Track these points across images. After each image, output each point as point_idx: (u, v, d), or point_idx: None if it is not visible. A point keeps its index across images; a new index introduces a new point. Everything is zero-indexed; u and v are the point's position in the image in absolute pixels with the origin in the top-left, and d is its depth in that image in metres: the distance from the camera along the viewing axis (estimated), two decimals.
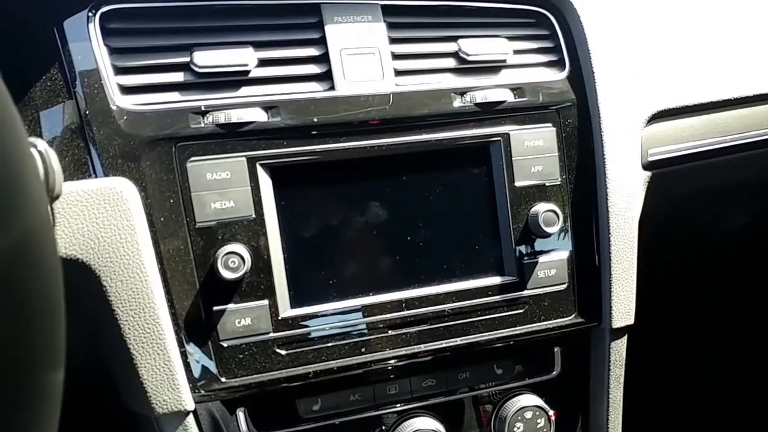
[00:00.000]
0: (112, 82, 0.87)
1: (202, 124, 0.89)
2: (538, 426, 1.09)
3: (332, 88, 0.95)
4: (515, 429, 1.08)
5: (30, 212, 0.39)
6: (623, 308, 1.09)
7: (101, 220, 0.83)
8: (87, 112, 0.86)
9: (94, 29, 0.87)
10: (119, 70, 0.88)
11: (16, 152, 0.39)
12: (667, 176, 1.13)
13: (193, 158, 0.88)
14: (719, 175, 1.25)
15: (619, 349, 1.13)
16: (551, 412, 1.09)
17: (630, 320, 1.10)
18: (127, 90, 0.88)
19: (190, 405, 0.90)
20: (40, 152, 0.51)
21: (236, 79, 0.91)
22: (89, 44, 0.86)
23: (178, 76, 0.90)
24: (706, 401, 2.02)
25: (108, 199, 0.83)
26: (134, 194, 0.86)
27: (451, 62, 1.02)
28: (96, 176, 0.86)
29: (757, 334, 1.88)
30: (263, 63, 0.93)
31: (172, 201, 0.88)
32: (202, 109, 0.89)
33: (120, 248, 0.84)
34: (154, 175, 0.87)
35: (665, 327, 1.81)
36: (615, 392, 1.15)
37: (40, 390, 0.41)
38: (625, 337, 1.14)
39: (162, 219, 0.88)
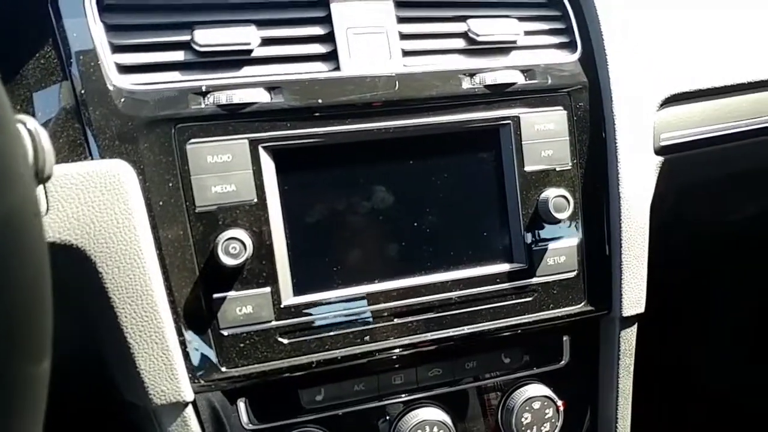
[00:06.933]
0: (109, 60, 0.84)
1: (203, 105, 0.86)
2: (546, 416, 1.07)
3: (337, 68, 0.92)
4: (522, 419, 1.06)
5: (14, 192, 0.36)
6: (634, 296, 1.07)
7: (97, 203, 0.80)
8: (82, 92, 0.83)
9: (90, 5, 0.84)
10: (116, 48, 0.85)
11: None
12: (679, 161, 1.11)
13: (193, 140, 0.85)
14: (732, 161, 1.23)
15: (629, 338, 1.11)
16: (559, 402, 1.08)
17: (640, 309, 1.08)
18: (124, 69, 0.85)
19: (189, 395, 0.88)
20: (29, 130, 0.48)
21: (238, 58, 0.89)
22: (85, 21, 0.84)
23: (178, 55, 0.87)
24: (716, 391, 2.00)
25: (104, 182, 0.80)
26: (132, 177, 0.83)
27: (460, 43, 0.99)
28: (92, 158, 0.83)
29: None
30: (266, 42, 0.90)
31: (171, 184, 0.85)
32: (203, 89, 0.86)
33: (117, 233, 0.81)
34: (152, 157, 0.84)
35: (676, 316, 1.80)
36: (624, 382, 1.13)
37: (23, 382, 0.39)
38: (635, 325, 1.12)
39: (161, 203, 0.85)
